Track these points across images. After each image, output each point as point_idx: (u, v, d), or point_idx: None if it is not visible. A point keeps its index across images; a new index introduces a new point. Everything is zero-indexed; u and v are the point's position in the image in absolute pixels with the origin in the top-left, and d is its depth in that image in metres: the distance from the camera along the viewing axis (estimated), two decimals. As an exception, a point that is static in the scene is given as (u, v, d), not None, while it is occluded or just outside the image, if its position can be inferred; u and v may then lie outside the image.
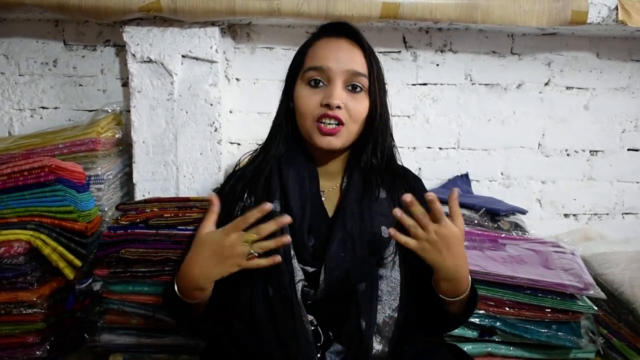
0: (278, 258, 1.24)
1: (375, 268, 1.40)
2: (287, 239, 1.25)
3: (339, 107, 1.37)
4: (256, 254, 1.24)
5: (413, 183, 1.55)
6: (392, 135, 1.53)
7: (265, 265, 1.24)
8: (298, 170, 1.45)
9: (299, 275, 1.34)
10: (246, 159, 1.59)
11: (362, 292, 1.36)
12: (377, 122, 1.44)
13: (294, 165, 1.46)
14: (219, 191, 1.56)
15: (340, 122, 1.38)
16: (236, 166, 1.61)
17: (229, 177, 1.57)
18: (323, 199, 1.48)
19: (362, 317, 1.33)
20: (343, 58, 1.40)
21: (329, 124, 1.39)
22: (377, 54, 1.46)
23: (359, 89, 1.41)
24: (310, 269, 1.36)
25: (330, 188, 1.51)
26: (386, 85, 1.50)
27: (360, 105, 1.41)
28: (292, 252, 1.35)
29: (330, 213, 1.45)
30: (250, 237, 1.23)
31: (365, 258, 1.37)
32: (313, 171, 1.48)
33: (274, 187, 1.42)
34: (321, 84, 1.41)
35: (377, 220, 1.40)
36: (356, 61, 1.41)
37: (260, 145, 1.56)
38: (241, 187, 1.47)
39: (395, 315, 1.36)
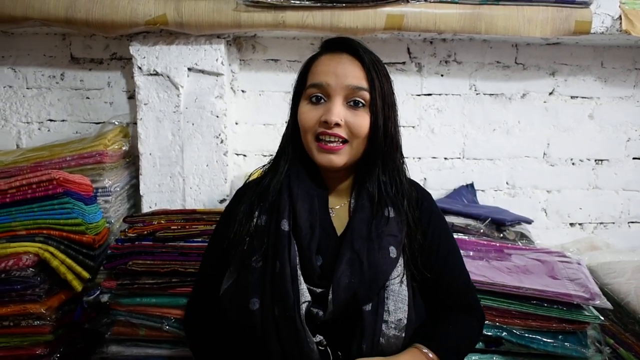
0: None
1: (383, 289, 1.38)
2: None
3: (337, 125, 1.36)
4: None
5: (422, 199, 1.54)
6: (401, 152, 1.50)
7: None
8: (307, 188, 1.44)
9: (305, 296, 1.32)
10: (255, 174, 1.59)
11: (367, 312, 1.34)
12: (381, 137, 1.41)
13: (303, 184, 1.45)
14: (228, 206, 1.57)
15: (343, 140, 1.38)
16: (246, 181, 1.61)
17: (238, 194, 1.57)
18: (332, 215, 1.47)
19: (364, 341, 1.32)
20: (342, 73, 1.38)
21: (329, 141, 1.38)
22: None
23: (360, 105, 1.39)
24: (318, 290, 1.35)
25: (339, 205, 1.50)
26: (395, 99, 1.47)
27: (361, 121, 1.38)
28: (299, 272, 1.34)
29: (339, 231, 1.44)
30: None
31: (373, 278, 1.35)
32: (322, 189, 1.48)
33: (283, 206, 1.41)
34: (322, 100, 1.40)
35: (385, 240, 1.39)
36: (355, 76, 1.39)
37: (269, 161, 1.56)
38: (250, 205, 1.47)
39: (402, 334, 1.35)
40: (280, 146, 1.54)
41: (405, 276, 1.41)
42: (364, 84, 1.38)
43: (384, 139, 1.41)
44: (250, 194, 1.50)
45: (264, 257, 1.38)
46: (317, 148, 1.39)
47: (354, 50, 1.42)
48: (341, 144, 1.38)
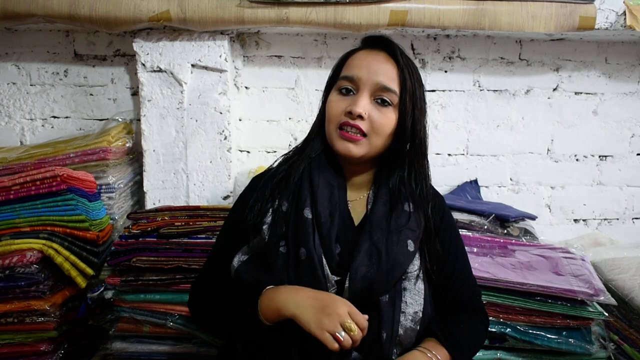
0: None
1: (399, 281, 1.40)
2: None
3: (360, 117, 1.37)
4: (341, 337, 1.22)
5: (435, 198, 1.54)
6: (427, 158, 1.51)
7: (334, 348, 1.22)
8: (328, 178, 1.45)
9: (332, 283, 1.34)
10: (276, 163, 1.58)
11: (385, 303, 1.36)
12: (408, 139, 1.43)
13: (324, 173, 1.45)
14: (242, 193, 1.57)
15: (362, 133, 1.38)
16: (271, 166, 1.59)
17: (261, 175, 1.57)
18: (350, 208, 1.48)
19: (384, 329, 1.33)
20: (374, 70, 1.39)
21: (351, 131, 1.38)
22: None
23: (386, 104, 1.39)
24: (335, 278, 1.36)
25: (356, 198, 1.50)
26: (426, 107, 1.48)
27: (384, 119, 1.39)
28: (324, 260, 1.35)
29: (356, 222, 1.45)
30: (349, 326, 1.22)
31: (390, 270, 1.36)
32: (342, 180, 1.48)
33: (305, 194, 1.42)
34: (351, 93, 1.41)
35: (404, 233, 1.40)
36: (387, 75, 1.39)
37: (292, 149, 1.56)
38: (271, 188, 1.47)
39: (418, 327, 1.37)
40: (309, 133, 1.54)
41: (422, 271, 1.42)
42: (394, 85, 1.39)
43: (411, 141, 1.43)
44: (271, 178, 1.50)
45: (286, 242, 1.39)
46: (338, 135, 1.39)
47: (392, 50, 1.43)
48: (361, 136, 1.38)
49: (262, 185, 1.50)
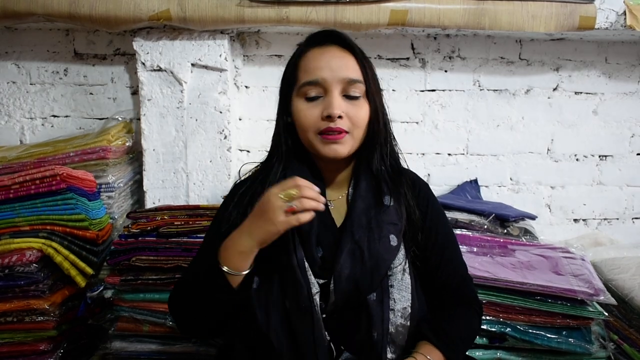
0: (321, 206, 1.25)
1: (385, 277, 1.38)
2: (322, 199, 1.26)
3: (339, 117, 1.35)
4: (294, 206, 1.23)
5: (419, 186, 1.53)
6: (393, 137, 1.50)
7: (307, 219, 1.24)
8: None
9: (315, 287, 1.33)
10: (247, 174, 1.57)
11: (373, 302, 1.34)
12: (380, 125, 1.42)
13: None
14: (225, 201, 1.55)
15: (343, 131, 1.36)
16: (237, 181, 1.58)
17: (233, 192, 1.54)
18: (331, 208, 1.46)
19: (374, 329, 1.32)
20: (336, 67, 1.37)
21: (334, 133, 1.36)
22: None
23: (357, 96, 1.38)
24: (320, 281, 1.35)
25: (337, 197, 1.49)
26: (380, 86, 1.47)
27: (361, 112, 1.38)
28: (307, 265, 1.34)
29: (338, 223, 1.44)
30: (287, 194, 1.24)
31: (374, 268, 1.35)
32: (319, 182, 1.45)
33: None
34: (319, 96, 1.38)
35: (385, 229, 1.38)
36: (350, 67, 1.38)
37: (263, 160, 1.54)
38: (246, 204, 1.45)
39: (408, 323, 1.35)
40: (272, 145, 1.52)
41: (407, 264, 1.41)
42: (359, 75, 1.38)
43: (381, 126, 1.42)
44: (244, 194, 1.48)
45: (264, 249, 1.35)
46: (322, 141, 1.37)
47: (343, 42, 1.41)
48: (341, 134, 1.36)
49: (235, 203, 1.48)
